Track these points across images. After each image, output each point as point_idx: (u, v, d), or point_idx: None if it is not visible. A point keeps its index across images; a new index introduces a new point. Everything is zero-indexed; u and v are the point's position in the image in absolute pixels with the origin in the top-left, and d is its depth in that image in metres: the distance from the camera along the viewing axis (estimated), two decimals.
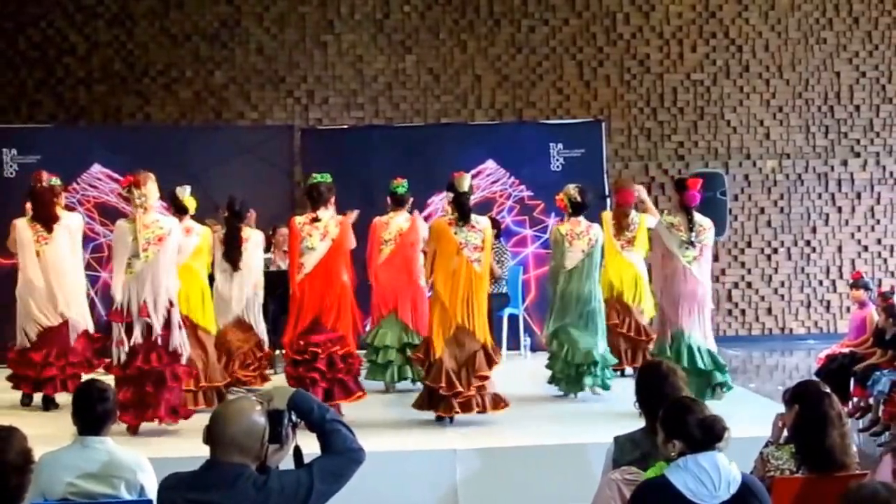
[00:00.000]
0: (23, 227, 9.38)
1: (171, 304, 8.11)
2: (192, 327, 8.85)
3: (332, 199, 8.54)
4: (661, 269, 8.63)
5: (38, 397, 9.33)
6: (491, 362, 8.31)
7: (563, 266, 9.47)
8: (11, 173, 12.49)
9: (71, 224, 9.57)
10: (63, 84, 14.28)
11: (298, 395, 3.99)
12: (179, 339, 8.16)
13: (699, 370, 8.48)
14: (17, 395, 9.39)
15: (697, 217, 8.57)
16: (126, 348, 7.97)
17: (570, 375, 9.44)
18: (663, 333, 8.63)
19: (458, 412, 8.22)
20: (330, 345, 8.32)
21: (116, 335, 8.07)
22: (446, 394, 8.15)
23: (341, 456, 3.95)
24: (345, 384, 8.39)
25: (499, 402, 8.36)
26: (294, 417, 3.93)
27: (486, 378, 8.28)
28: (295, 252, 8.42)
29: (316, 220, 8.36)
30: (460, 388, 8.14)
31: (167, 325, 8.08)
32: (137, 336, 7.97)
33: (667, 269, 8.55)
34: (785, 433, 5.12)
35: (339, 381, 8.35)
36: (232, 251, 9.79)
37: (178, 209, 9.08)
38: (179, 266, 8.57)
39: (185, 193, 9.18)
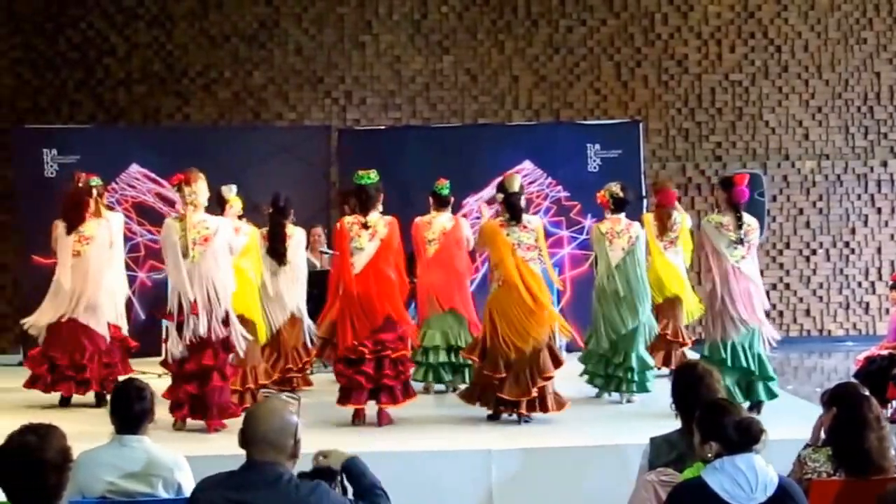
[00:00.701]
0: (59, 225, 9.46)
1: (221, 301, 8.20)
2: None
3: (381, 199, 8.59)
4: (712, 269, 8.57)
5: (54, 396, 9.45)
6: (557, 362, 8.39)
7: (608, 265, 9.43)
8: (52, 173, 12.60)
9: (112, 224, 9.67)
10: (103, 85, 14.38)
11: (353, 461, 4.17)
12: (237, 335, 8.29)
13: (744, 370, 8.52)
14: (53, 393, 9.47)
15: (745, 216, 8.56)
16: (181, 347, 8.06)
17: (608, 374, 9.42)
18: (716, 334, 8.59)
19: (520, 413, 8.33)
20: (381, 347, 8.33)
21: (171, 334, 8.16)
22: (504, 396, 8.26)
23: None
24: (391, 390, 8.39)
25: (562, 403, 8.43)
26: (345, 481, 4.04)
27: (551, 378, 8.35)
28: (345, 252, 8.45)
29: (365, 225, 8.40)
30: (526, 389, 8.24)
31: (225, 322, 8.18)
32: (189, 335, 8.06)
33: (718, 270, 8.52)
34: (822, 435, 5.09)
35: (385, 388, 8.35)
36: (276, 246, 9.87)
37: (224, 208, 9.16)
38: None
39: (230, 193, 9.25)
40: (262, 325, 9.36)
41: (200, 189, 8.23)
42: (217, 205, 9.14)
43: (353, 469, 4.16)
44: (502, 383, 8.27)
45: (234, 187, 9.32)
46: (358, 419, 8.37)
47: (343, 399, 8.38)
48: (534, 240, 8.46)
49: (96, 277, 9.43)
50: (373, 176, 8.51)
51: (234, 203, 9.30)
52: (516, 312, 8.32)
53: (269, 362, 9.65)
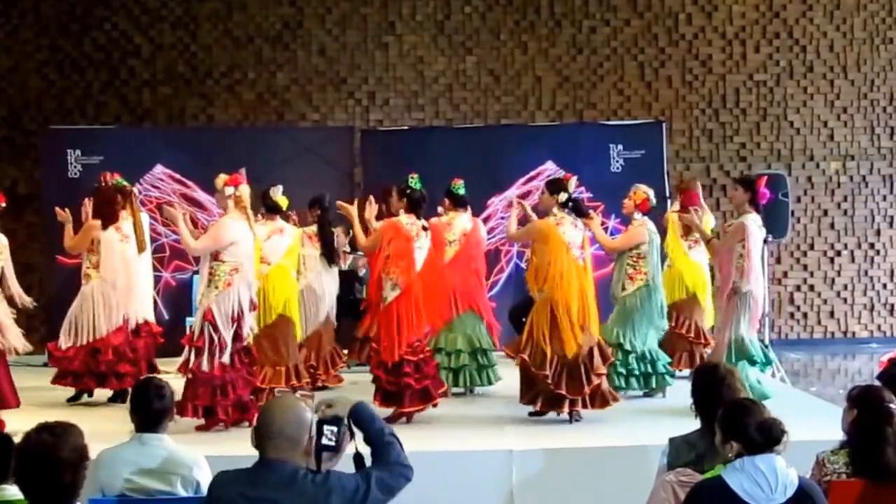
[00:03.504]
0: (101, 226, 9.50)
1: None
2: (286, 326, 9.12)
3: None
4: (753, 269, 8.58)
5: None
6: (606, 359, 8.50)
7: (655, 267, 9.58)
8: (76, 174, 12.66)
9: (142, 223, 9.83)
10: (127, 86, 14.45)
11: (361, 406, 4.07)
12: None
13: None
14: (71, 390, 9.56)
15: None
16: (228, 351, 8.11)
17: (647, 373, 9.52)
18: (753, 332, 8.68)
19: (577, 409, 8.41)
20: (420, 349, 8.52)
21: (217, 339, 8.10)
22: (565, 394, 8.32)
23: (393, 468, 4.04)
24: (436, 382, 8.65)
25: (607, 400, 8.47)
26: (353, 427, 3.99)
27: (603, 374, 8.44)
28: (411, 252, 8.51)
29: (425, 228, 8.62)
30: (581, 386, 8.33)
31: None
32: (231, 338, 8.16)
33: (757, 270, 8.58)
34: (842, 435, 5.05)
35: (432, 379, 8.55)
36: (330, 250, 9.99)
37: (271, 209, 9.23)
38: (275, 266, 9.03)
39: (277, 193, 9.32)
40: (299, 325, 9.47)
41: (247, 191, 8.34)
42: (263, 205, 9.23)
43: (360, 416, 4.05)
44: (558, 381, 8.31)
45: (280, 188, 9.38)
46: (408, 419, 8.42)
47: (398, 403, 8.42)
48: (581, 239, 8.59)
49: (134, 275, 9.59)
50: (420, 181, 8.78)
51: (282, 203, 9.40)
52: (569, 311, 8.36)
53: (307, 363, 9.74)
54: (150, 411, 4.88)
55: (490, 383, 9.86)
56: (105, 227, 9.45)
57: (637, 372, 9.45)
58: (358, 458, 4.04)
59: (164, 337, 10.32)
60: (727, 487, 4.18)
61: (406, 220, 8.56)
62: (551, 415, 8.44)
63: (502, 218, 12.70)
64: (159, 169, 12.89)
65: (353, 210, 8.77)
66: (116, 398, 9.47)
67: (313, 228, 10.13)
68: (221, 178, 8.29)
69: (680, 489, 4.58)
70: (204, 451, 5.12)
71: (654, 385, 9.52)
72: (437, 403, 8.61)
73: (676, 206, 10.72)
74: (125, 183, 9.83)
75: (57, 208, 9.79)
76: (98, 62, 14.41)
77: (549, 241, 8.47)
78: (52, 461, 3.77)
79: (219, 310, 8.06)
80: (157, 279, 12.42)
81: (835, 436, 5.26)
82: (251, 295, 8.24)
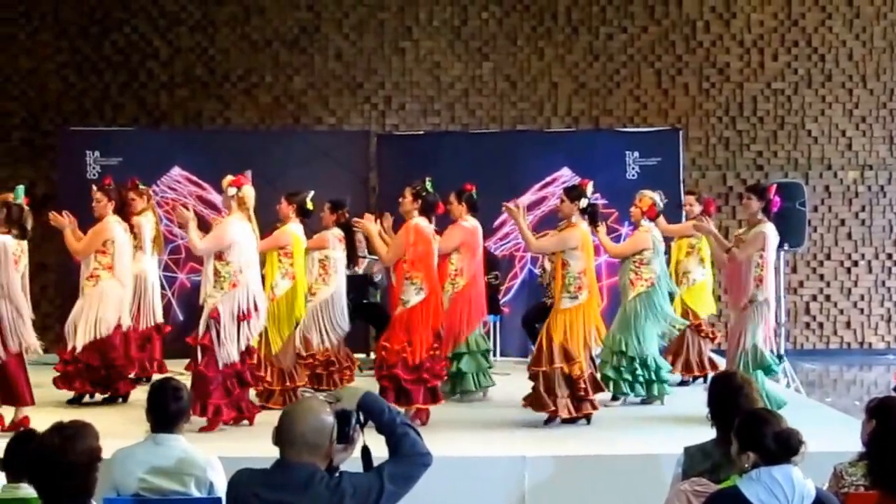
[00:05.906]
0: (117, 226, 9.49)
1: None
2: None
3: None
4: (770, 277, 8.56)
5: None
6: None
7: (661, 273, 9.57)
8: (94, 175, 12.68)
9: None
10: (146, 88, 14.48)
11: (369, 397, 4.03)
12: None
13: None
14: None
15: None
16: (234, 350, 8.14)
17: (649, 380, 9.56)
18: (771, 343, 8.68)
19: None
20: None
21: (233, 334, 8.16)
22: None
23: (410, 459, 3.99)
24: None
25: None
26: (361, 418, 3.96)
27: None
28: (433, 255, 8.62)
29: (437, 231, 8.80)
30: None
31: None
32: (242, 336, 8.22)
33: (772, 279, 8.56)
34: (860, 447, 5.02)
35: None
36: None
37: (307, 213, 9.40)
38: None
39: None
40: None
41: (251, 193, 8.39)
42: (300, 213, 9.33)
43: (370, 407, 4.00)
44: (586, 388, 8.40)
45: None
46: (423, 421, 8.44)
47: (408, 401, 8.44)
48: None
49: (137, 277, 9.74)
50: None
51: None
52: (597, 319, 8.52)
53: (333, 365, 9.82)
54: (166, 412, 4.88)
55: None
56: (130, 230, 9.59)
57: (642, 378, 9.48)
58: (365, 452, 4.00)
59: (178, 337, 10.37)
60: (743, 497, 4.15)
61: (426, 224, 8.55)
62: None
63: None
64: (176, 171, 12.94)
65: (371, 228, 8.79)
66: (116, 399, 9.45)
67: (342, 231, 10.12)
68: (227, 180, 8.35)
69: (695, 498, 4.55)
70: (217, 452, 5.13)
71: (655, 393, 9.54)
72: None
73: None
74: (144, 187, 9.95)
75: (52, 213, 9.76)
76: (117, 64, 14.44)
77: (585, 247, 8.47)
78: (60, 464, 3.76)
79: (225, 309, 8.10)
80: (172, 280, 12.49)
81: (850, 447, 5.24)
82: (256, 294, 8.24)
